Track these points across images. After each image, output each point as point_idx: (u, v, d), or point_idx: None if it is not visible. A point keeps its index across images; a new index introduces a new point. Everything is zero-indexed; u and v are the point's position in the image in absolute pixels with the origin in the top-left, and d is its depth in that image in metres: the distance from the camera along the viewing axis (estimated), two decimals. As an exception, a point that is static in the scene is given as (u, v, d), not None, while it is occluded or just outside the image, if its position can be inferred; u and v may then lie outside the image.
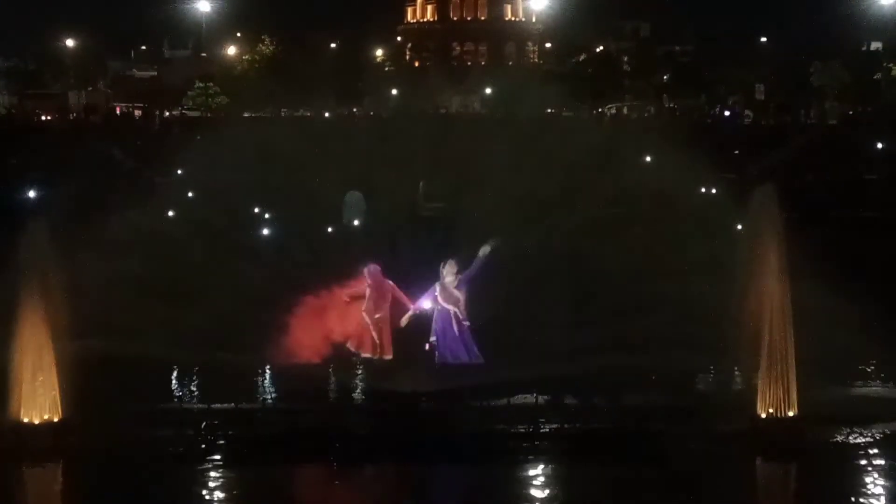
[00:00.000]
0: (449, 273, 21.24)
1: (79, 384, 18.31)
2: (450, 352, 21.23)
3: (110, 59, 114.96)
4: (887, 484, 16.96)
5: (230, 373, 21.33)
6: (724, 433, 18.43)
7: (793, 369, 18.32)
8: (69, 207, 33.16)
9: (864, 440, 18.51)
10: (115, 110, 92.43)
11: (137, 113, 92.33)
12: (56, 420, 18.21)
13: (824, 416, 18.67)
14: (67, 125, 71.11)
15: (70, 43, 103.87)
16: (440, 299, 21.19)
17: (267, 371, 22.70)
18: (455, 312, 21.23)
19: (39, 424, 18.11)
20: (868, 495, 16.54)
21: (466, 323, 21.26)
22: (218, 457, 17.94)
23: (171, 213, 36.79)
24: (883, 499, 16.44)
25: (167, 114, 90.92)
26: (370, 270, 21.48)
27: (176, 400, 21.23)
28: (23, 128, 67.12)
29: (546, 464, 17.83)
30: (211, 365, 21.71)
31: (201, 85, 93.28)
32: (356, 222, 37.66)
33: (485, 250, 21.08)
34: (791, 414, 18.47)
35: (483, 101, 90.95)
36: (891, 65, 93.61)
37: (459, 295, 21.22)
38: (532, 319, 23.21)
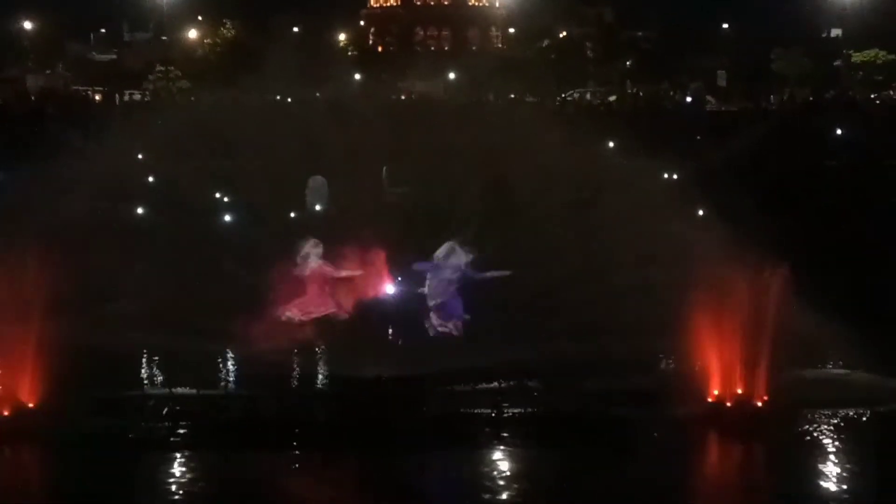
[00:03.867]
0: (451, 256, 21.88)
1: (49, 370, 18.23)
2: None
3: (69, 42, 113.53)
4: (849, 466, 17.18)
5: (195, 359, 21.24)
6: (685, 416, 18.58)
7: (760, 352, 18.53)
8: (27, 193, 32.75)
9: (827, 423, 18.74)
10: (74, 94, 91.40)
11: (97, 97, 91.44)
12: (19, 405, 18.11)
13: (789, 399, 18.87)
14: (26, 108, 70.13)
15: (28, 26, 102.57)
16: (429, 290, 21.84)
17: (230, 358, 22.62)
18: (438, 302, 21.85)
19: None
20: (829, 477, 16.76)
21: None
22: (180, 443, 17.88)
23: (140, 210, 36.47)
24: (846, 480, 16.66)
25: (127, 97, 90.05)
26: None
27: (138, 386, 21.08)
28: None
29: (509, 448, 17.89)
30: (177, 352, 21.59)
31: (162, 69, 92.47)
32: (319, 207, 37.51)
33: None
34: (753, 397, 18.67)
35: (446, 87, 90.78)
36: (850, 52, 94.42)
37: (440, 288, 21.81)
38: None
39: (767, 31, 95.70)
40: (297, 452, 17.89)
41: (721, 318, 18.91)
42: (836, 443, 18.09)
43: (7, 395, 18.30)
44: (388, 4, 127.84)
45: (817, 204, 37.66)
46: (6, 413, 18.20)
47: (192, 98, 78.75)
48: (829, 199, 38.68)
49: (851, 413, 19.18)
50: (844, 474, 16.89)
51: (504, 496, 16.05)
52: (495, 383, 20.22)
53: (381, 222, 26.80)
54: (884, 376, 20.64)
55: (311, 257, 23.60)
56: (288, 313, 23.44)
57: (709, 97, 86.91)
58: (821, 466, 17.19)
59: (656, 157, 36.68)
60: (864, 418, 19.12)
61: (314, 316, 23.37)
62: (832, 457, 17.57)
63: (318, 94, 61.84)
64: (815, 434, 18.36)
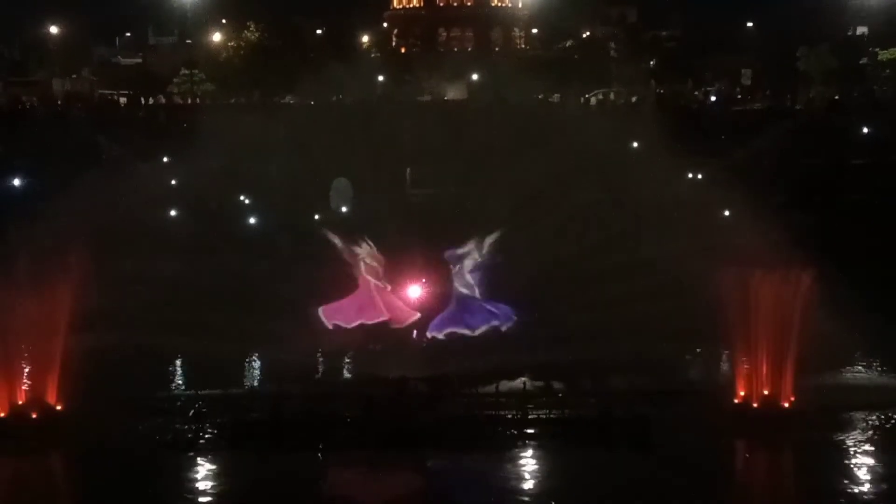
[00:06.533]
0: (468, 257, 21.70)
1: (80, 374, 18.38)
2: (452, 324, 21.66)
3: (95, 46, 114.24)
4: (874, 467, 17.06)
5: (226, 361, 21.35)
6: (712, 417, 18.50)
7: (786, 354, 18.43)
8: (55, 197, 32.98)
9: (854, 425, 18.60)
10: (99, 97, 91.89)
11: (122, 100, 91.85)
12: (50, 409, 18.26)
13: (815, 401, 18.73)
14: (52, 112, 70.57)
15: (54, 30, 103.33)
16: (456, 284, 21.70)
17: (258, 359, 22.71)
18: (466, 295, 21.67)
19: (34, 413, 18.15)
20: (853, 478, 16.66)
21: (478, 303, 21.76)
22: (207, 443, 17.99)
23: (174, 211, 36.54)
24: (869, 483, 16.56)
25: (151, 101, 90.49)
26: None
27: (167, 388, 21.20)
28: (9, 115, 66.56)
29: (533, 448, 17.88)
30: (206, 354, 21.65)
31: (186, 72, 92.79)
32: (344, 209, 37.65)
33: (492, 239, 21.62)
34: (780, 398, 18.58)
35: (470, 88, 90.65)
36: (876, 49, 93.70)
37: (472, 280, 21.64)
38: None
39: (792, 29, 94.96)
40: (323, 451, 17.95)
41: (748, 320, 18.81)
42: (862, 445, 17.96)
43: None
44: (412, 6, 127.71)
45: (844, 201, 37.42)
46: (35, 415, 18.34)
47: (217, 100, 79.00)
48: (856, 196, 38.42)
49: (880, 415, 19.03)
50: (871, 476, 16.80)
51: (529, 495, 16.07)
52: (520, 381, 20.20)
53: (406, 223, 26.85)
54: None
55: (367, 259, 22.56)
56: (337, 322, 22.55)
57: (738, 95, 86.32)
58: (847, 468, 17.07)
59: (681, 156, 36.56)
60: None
61: (364, 322, 22.39)
62: (857, 458, 17.45)
63: (341, 96, 62.07)
64: (840, 436, 18.21)
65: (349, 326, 22.33)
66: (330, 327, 22.51)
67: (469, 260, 21.80)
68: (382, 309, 22.17)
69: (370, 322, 22.20)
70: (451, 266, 21.91)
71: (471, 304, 21.93)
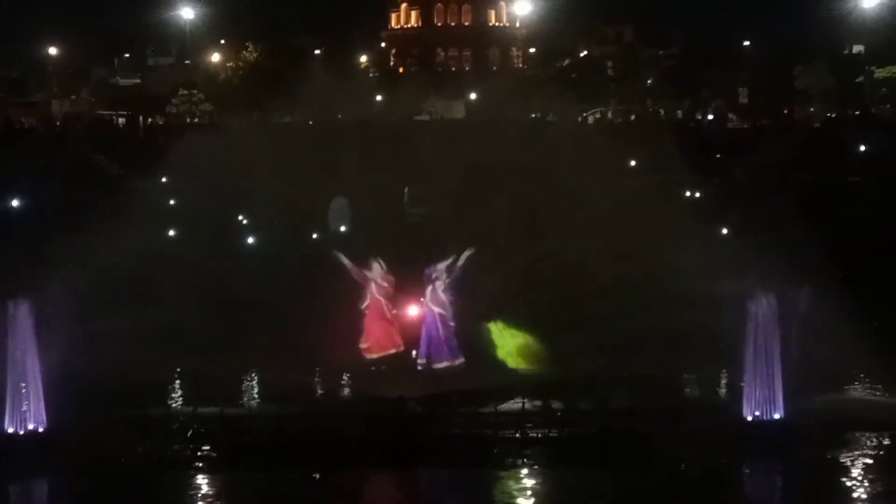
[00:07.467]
0: (437, 275, 21.57)
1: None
2: (433, 354, 21.52)
3: (94, 67, 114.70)
4: (879, 487, 17.02)
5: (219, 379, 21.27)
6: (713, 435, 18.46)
7: (788, 372, 18.39)
8: (52, 217, 33.00)
9: (849, 445, 18.55)
10: (98, 118, 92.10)
11: (121, 121, 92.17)
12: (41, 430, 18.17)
13: (818, 420, 18.69)
14: (51, 133, 70.78)
15: (53, 51, 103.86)
16: (427, 301, 21.54)
17: (256, 377, 22.66)
18: (440, 314, 21.49)
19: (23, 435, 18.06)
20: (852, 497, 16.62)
21: (451, 324, 21.57)
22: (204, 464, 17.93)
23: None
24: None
25: (150, 121, 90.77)
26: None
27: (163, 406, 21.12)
28: (6, 135, 66.72)
29: (533, 468, 17.84)
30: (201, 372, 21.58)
31: (185, 92, 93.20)
32: (342, 228, 37.63)
33: (466, 255, 21.49)
34: (782, 417, 18.55)
35: (468, 107, 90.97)
36: (873, 68, 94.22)
37: (445, 298, 21.52)
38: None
39: (789, 47, 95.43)
40: (322, 469, 17.91)
41: (748, 336, 18.79)
42: (857, 464, 17.91)
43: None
44: (410, 26, 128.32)
45: (842, 220, 37.47)
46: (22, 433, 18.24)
47: (215, 120, 79.23)
48: (853, 213, 38.48)
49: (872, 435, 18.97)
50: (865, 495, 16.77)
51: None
52: (519, 403, 20.16)
53: (404, 241, 26.84)
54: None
55: (378, 279, 21.87)
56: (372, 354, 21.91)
57: (731, 115, 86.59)
58: (850, 488, 17.03)
59: (678, 174, 36.67)
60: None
61: (383, 354, 21.85)
62: (853, 477, 17.41)
63: (339, 116, 62.17)
64: (845, 455, 18.16)
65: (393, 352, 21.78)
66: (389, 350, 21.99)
67: (440, 281, 21.68)
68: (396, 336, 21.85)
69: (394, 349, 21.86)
70: (426, 284, 21.80)
71: (438, 339, 21.67)
